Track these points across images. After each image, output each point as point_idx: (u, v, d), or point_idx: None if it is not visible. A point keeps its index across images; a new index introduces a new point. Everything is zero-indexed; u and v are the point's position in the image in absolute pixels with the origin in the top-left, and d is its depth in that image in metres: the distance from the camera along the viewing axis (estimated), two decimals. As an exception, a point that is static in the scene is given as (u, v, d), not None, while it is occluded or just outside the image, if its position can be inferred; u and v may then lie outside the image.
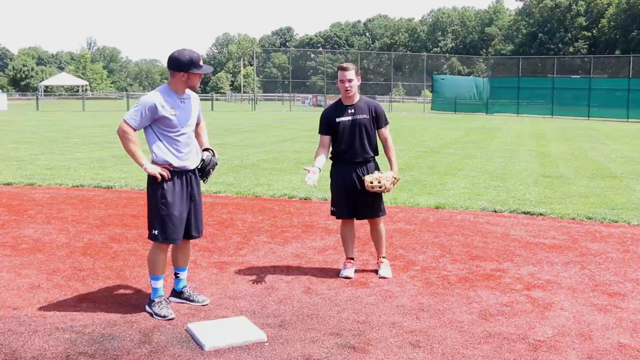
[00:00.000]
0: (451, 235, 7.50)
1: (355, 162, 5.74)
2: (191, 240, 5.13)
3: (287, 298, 5.19)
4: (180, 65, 4.62)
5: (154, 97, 4.64)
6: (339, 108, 5.76)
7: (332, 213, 5.98)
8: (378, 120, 5.80)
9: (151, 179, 4.73)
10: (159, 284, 4.83)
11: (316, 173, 5.52)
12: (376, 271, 5.92)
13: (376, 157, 5.91)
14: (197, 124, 5.00)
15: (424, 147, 19.74)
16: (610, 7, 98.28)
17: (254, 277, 5.72)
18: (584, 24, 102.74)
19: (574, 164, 15.30)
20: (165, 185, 4.69)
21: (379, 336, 4.39)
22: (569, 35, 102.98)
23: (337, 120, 5.69)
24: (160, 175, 4.65)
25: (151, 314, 4.72)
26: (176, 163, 4.71)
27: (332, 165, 5.95)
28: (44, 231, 7.38)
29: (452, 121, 39.27)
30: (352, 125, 5.67)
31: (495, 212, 9.01)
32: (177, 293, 5.07)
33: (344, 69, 5.65)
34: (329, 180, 6.01)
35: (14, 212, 8.45)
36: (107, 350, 4.09)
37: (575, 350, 4.20)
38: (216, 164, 5.05)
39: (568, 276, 5.91)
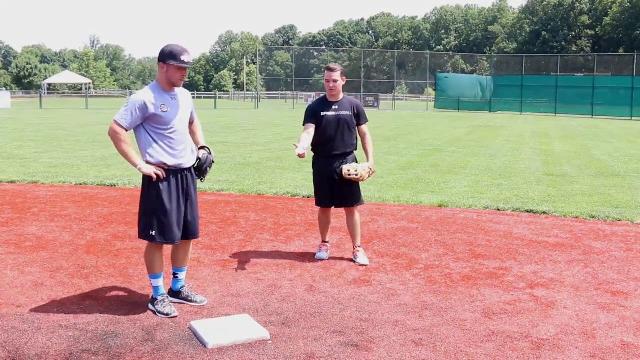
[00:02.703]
0: (454, 234, 7.49)
1: (335, 154, 6.15)
2: (192, 240, 5.08)
3: (290, 296, 5.19)
4: (161, 56, 4.59)
5: (143, 95, 4.57)
6: (325, 103, 6.20)
7: (316, 203, 6.39)
8: (359, 117, 6.26)
9: (146, 178, 4.65)
10: (159, 282, 4.82)
11: (301, 147, 5.75)
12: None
13: (355, 152, 6.33)
14: (191, 123, 4.96)
15: (427, 145, 19.72)
16: (614, 5, 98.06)
17: (257, 275, 5.73)
18: (588, 22, 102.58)
19: (578, 163, 15.28)
20: (161, 185, 4.62)
21: (382, 334, 4.39)
22: (573, 33, 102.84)
23: (322, 114, 6.11)
24: (156, 174, 4.58)
25: (154, 312, 4.72)
26: (171, 162, 4.64)
27: (314, 157, 6.31)
28: (47, 229, 7.40)
29: (455, 119, 39.24)
30: (336, 120, 6.11)
31: (499, 210, 9.00)
32: (174, 293, 5.01)
33: (331, 70, 6.11)
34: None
35: (18, 210, 8.46)
36: (111, 347, 4.10)
37: (578, 349, 4.19)
38: (213, 162, 5.01)
39: (571, 275, 5.90)
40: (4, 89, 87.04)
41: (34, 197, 9.51)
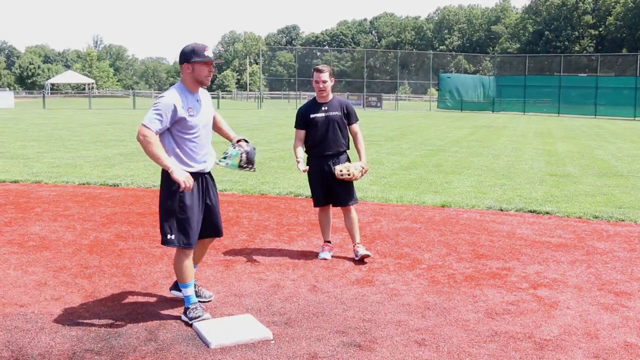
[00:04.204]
0: (457, 234, 7.48)
1: (327, 154, 6.27)
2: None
3: (292, 296, 5.19)
4: (183, 57, 4.52)
5: (173, 98, 4.46)
6: (314, 105, 6.30)
7: (314, 204, 6.50)
8: (349, 116, 6.35)
9: (167, 180, 4.55)
10: (190, 291, 4.67)
11: (302, 161, 6.24)
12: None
13: (347, 151, 6.42)
14: (213, 118, 4.89)
15: (430, 145, 19.71)
16: (617, 5, 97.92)
17: (259, 275, 5.73)
18: (591, 22, 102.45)
19: (581, 163, 15.26)
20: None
21: (385, 334, 4.39)
22: (576, 33, 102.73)
23: (312, 116, 6.22)
24: (184, 183, 4.41)
25: (187, 322, 4.55)
26: (193, 168, 4.57)
27: (307, 158, 6.41)
28: (50, 229, 7.41)
29: (458, 119, 39.21)
30: (326, 121, 6.22)
31: (502, 210, 8.99)
32: None
33: (319, 71, 6.21)
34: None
35: (21, 210, 8.48)
36: (113, 347, 4.10)
37: (581, 350, 4.19)
38: (254, 148, 5.00)
39: (574, 275, 5.89)
40: (7, 88, 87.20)
41: (37, 196, 9.53)
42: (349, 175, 6.14)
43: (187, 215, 4.55)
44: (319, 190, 6.33)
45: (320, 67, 6.29)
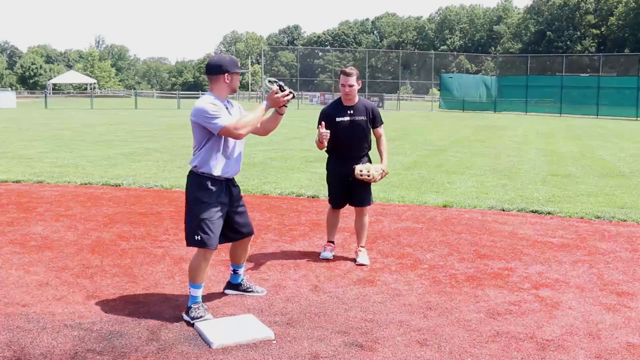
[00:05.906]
0: (459, 234, 7.48)
1: (350, 157, 6.15)
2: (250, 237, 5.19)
3: (294, 296, 5.19)
4: (223, 67, 4.61)
5: (209, 97, 4.60)
6: (339, 108, 6.15)
7: (329, 202, 6.47)
8: (374, 120, 6.23)
9: (194, 184, 4.65)
10: (199, 292, 4.70)
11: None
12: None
13: (369, 152, 6.35)
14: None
15: (431, 145, 19.70)
16: (620, 5, 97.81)
17: (261, 275, 5.73)
18: (593, 22, 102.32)
19: (583, 163, 15.25)
20: (209, 189, 4.61)
21: (387, 334, 4.39)
22: (578, 33, 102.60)
23: (337, 119, 6.07)
24: (281, 95, 4.63)
25: (188, 321, 4.55)
26: (218, 172, 4.63)
27: (328, 158, 6.34)
28: (52, 229, 7.41)
29: (460, 119, 39.18)
30: (351, 125, 6.10)
31: (503, 210, 8.98)
32: (234, 286, 5.20)
33: (347, 75, 6.03)
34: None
35: (23, 210, 8.48)
36: (115, 347, 4.10)
37: (583, 350, 4.18)
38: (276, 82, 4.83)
39: (576, 275, 5.89)
40: (10, 89, 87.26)
41: (39, 196, 9.54)
42: (368, 176, 6.06)
43: (210, 216, 4.61)
44: (338, 191, 6.28)
45: (348, 70, 6.11)
